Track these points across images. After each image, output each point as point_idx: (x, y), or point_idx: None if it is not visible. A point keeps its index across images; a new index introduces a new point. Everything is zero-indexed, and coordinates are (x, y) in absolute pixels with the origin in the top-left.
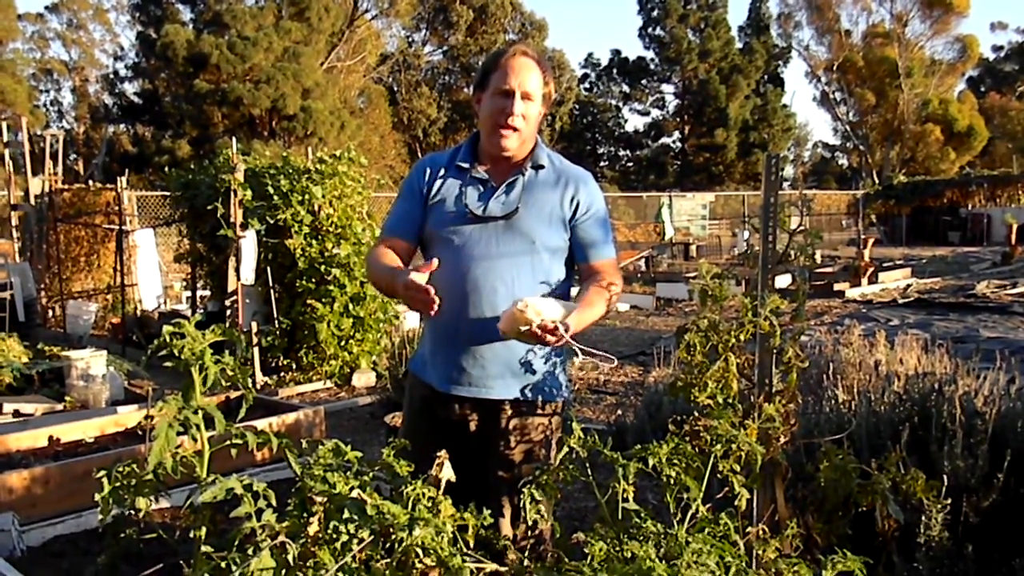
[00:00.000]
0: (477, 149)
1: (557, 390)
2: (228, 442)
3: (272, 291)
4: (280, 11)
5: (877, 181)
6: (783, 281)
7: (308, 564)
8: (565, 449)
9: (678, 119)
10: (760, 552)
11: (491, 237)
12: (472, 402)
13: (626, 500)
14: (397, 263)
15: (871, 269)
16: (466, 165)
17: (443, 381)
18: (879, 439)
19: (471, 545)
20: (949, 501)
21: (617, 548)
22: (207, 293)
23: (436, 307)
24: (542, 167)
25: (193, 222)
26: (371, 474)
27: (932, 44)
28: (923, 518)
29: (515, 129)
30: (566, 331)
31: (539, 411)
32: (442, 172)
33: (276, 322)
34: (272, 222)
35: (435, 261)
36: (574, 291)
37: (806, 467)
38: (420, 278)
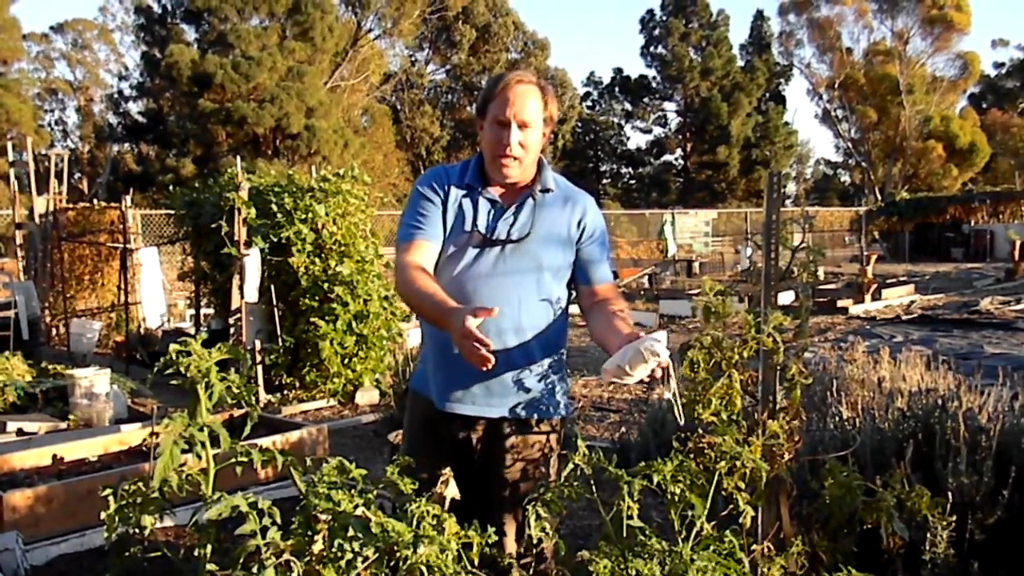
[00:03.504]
0: (484, 170)
1: (556, 408)
2: (233, 460)
3: (276, 309)
4: (284, 31)
5: (880, 198)
6: (786, 298)
7: None
8: (569, 466)
9: (680, 137)
10: (765, 570)
11: (498, 258)
12: (474, 420)
13: (630, 517)
14: (440, 292)
15: (874, 286)
16: (476, 186)
17: (445, 399)
18: (883, 456)
19: (475, 563)
20: (954, 518)
21: (621, 566)
22: (211, 311)
23: (491, 365)
24: (549, 190)
25: (197, 240)
26: (375, 492)
27: (933, 61)
28: (928, 535)
29: (515, 158)
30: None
31: (540, 428)
32: (454, 188)
33: (279, 340)
34: (276, 240)
35: (496, 310)
36: (572, 309)
37: (811, 484)
38: (476, 324)
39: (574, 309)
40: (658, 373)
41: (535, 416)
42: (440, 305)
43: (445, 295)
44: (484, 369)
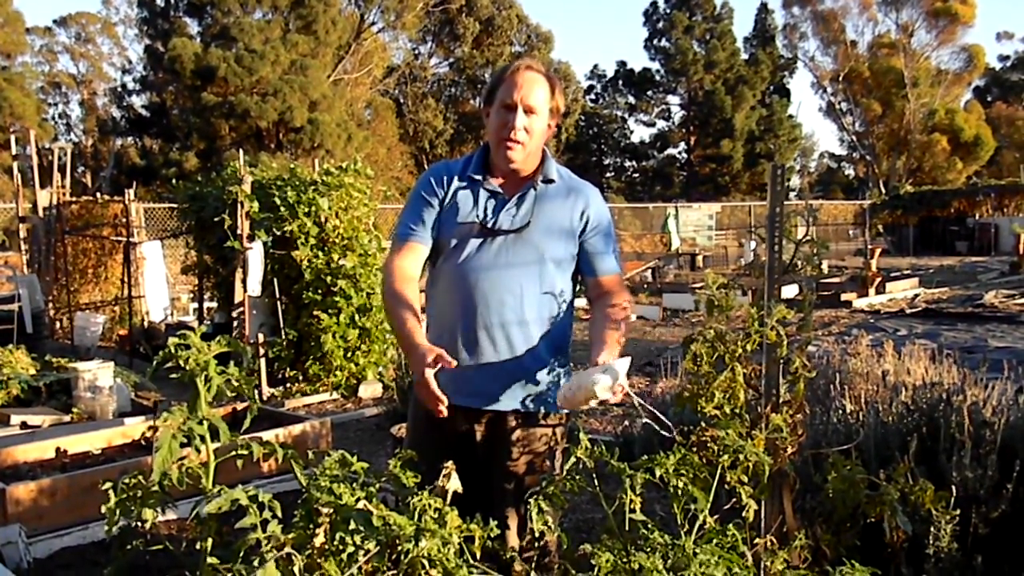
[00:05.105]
0: (488, 161)
1: None
2: (234, 453)
3: (279, 302)
4: (287, 24)
5: (884, 191)
6: (790, 291)
7: (314, 575)
8: (572, 460)
9: (684, 130)
10: (768, 564)
11: (500, 249)
12: (477, 413)
13: (633, 511)
14: (411, 321)
15: (878, 279)
16: (478, 177)
17: (449, 392)
18: (887, 450)
19: (478, 556)
20: (958, 512)
21: (624, 559)
22: (214, 305)
23: (443, 411)
24: (552, 181)
25: (200, 234)
26: (377, 485)
27: (938, 54)
28: (932, 529)
29: (519, 143)
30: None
31: (544, 422)
32: (456, 181)
33: (282, 333)
34: (279, 234)
35: (454, 363)
36: (578, 302)
37: (814, 478)
38: (432, 374)
39: (580, 303)
40: (613, 400)
41: (542, 409)
42: (408, 339)
43: (416, 325)
44: (438, 414)
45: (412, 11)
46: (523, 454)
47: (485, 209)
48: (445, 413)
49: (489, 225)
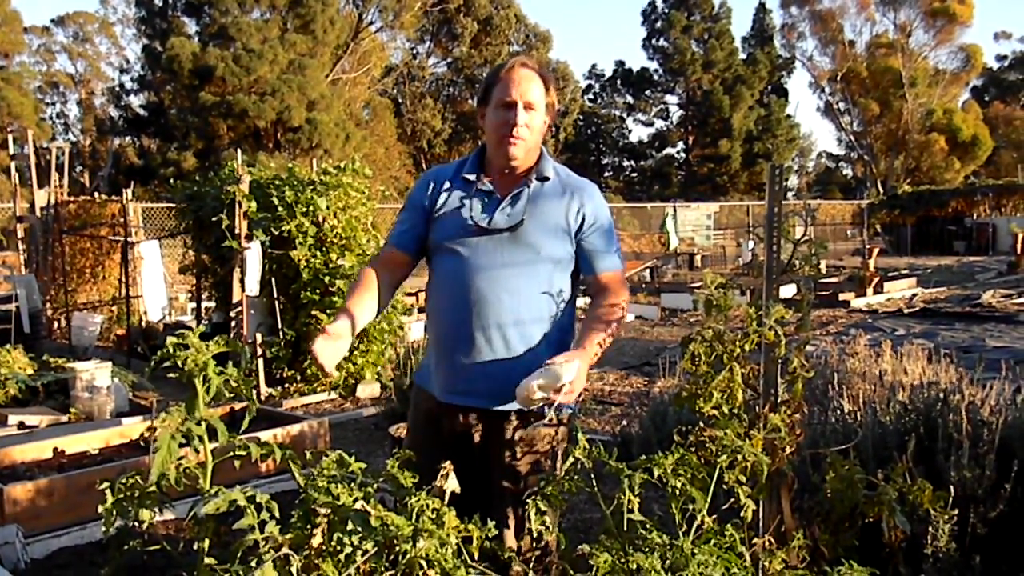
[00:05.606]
0: (483, 161)
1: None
2: (231, 453)
3: (276, 302)
4: (285, 24)
5: (882, 191)
6: (788, 291)
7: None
8: (570, 460)
9: (682, 129)
10: (766, 564)
11: (496, 248)
12: (477, 413)
13: (631, 511)
14: (349, 304)
15: (876, 279)
16: (472, 177)
17: (447, 392)
18: (885, 449)
19: (475, 557)
20: (956, 512)
21: (622, 560)
22: (212, 304)
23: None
24: (547, 179)
25: (198, 233)
26: (375, 485)
27: (936, 54)
28: (930, 529)
29: (521, 139)
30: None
31: (546, 422)
32: (447, 184)
33: (280, 333)
34: (277, 233)
35: (330, 333)
36: (580, 301)
37: (812, 478)
38: (320, 346)
39: (582, 302)
40: (556, 399)
41: (539, 409)
42: (343, 306)
43: (350, 309)
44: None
45: (410, 11)
46: (525, 454)
47: (479, 209)
48: (335, 375)
49: (483, 224)
